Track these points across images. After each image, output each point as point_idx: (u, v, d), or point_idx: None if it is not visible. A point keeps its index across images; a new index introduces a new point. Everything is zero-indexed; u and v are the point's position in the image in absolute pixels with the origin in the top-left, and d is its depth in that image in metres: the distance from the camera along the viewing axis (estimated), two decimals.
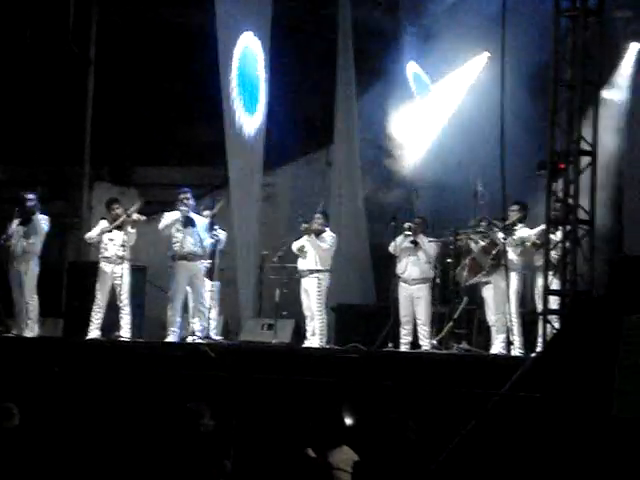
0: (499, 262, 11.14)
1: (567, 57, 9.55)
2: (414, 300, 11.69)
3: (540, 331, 10.18)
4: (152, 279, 13.78)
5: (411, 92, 14.42)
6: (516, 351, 10.92)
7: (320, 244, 11.96)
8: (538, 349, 10.21)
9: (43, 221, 12.15)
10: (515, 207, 11.23)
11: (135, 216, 12.13)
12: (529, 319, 11.15)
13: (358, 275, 14.34)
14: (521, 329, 11.04)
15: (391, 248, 11.91)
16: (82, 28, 15.20)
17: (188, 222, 11.86)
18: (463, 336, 11.71)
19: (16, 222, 12.10)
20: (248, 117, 13.99)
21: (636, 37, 13.25)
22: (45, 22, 14.20)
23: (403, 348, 11.61)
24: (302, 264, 12.06)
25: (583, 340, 7.88)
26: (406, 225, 11.82)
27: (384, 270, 13.06)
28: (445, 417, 8.41)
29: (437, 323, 11.84)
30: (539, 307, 10.46)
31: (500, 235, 11.25)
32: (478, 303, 11.74)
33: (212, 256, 12.29)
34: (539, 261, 10.69)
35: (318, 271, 11.93)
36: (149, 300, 13.44)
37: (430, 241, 11.85)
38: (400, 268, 11.81)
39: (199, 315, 11.90)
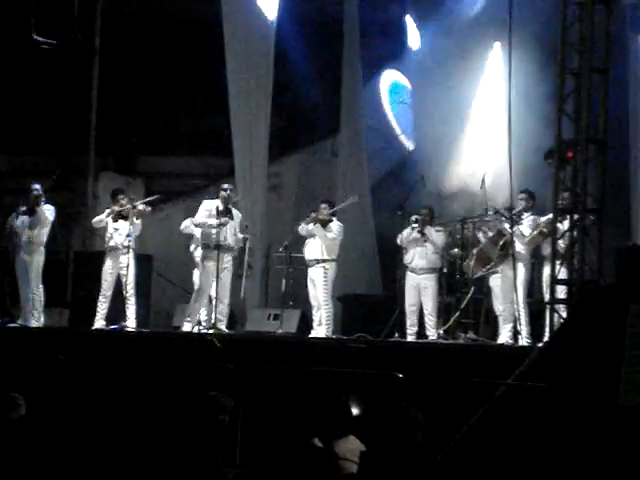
0: (507, 252, 11.09)
1: (575, 45, 9.49)
2: (421, 290, 11.65)
3: (547, 320, 10.12)
4: (158, 269, 13.78)
5: (416, 80, 14.38)
6: (523, 341, 10.88)
7: (327, 234, 11.92)
8: (545, 339, 10.15)
9: (48, 211, 12.13)
10: (522, 196, 11.15)
11: (141, 207, 12.11)
12: (536, 308, 11.10)
13: (364, 265, 14.32)
14: (528, 319, 10.99)
15: (399, 240, 11.87)
16: (87, 18, 15.17)
17: (227, 213, 11.81)
18: (470, 326, 11.68)
19: (21, 212, 12.08)
20: (254, 106, 13.93)
21: None
22: (50, 12, 14.16)
23: (409, 338, 11.58)
24: (309, 254, 12.03)
25: (590, 329, 7.84)
26: (413, 218, 11.76)
27: (390, 260, 13.04)
28: (452, 407, 8.38)
29: (444, 313, 11.80)
30: (546, 296, 10.40)
31: (507, 225, 11.18)
32: (485, 293, 11.70)
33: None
34: (547, 250, 10.64)
35: (325, 261, 11.89)
36: (155, 290, 13.44)
37: (437, 230, 11.80)
38: (407, 258, 11.77)
39: (221, 306, 11.80)
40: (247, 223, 12.59)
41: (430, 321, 11.58)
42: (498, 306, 11.31)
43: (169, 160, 16.51)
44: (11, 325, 12.00)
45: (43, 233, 12.12)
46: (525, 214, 11.13)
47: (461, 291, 11.79)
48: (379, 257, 14.46)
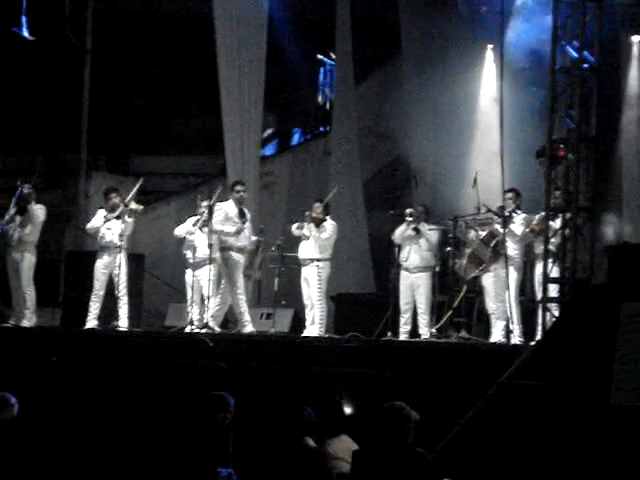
0: (499, 253, 11.09)
1: (566, 44, 9.50)
2: (415, 288, 11.64)
3: (540, 319, 10.15)
4: (150, 268, 13.77)
5: (410, 79, 14.38)
6: (516, 339, 10.88)
7: (320, 234, 11.90)
8: (538, 337, 10.17)
9: (39, 210, 12.09)
10: (510, 195, 11.13)
11: (133, 205, 12.06)
12: (529, 307, 11.12)
13: (357, 264, 14.32)
14: (521, 317, 11.00)
15: (394, 237, 11.85)
16: (79, 17, 15.15)
17: (243, 215, 11.81)
18: (462, 324, 11.68)
19: (12, 211, 12.04)
20: (246, 106, 13.93)
21: (635, 23, 13.21)
22: (42, 11, 14.14)
23: (402, 337, 11.57)
24: (302, 253, 12.02)
25: (583, 328, 7.85)
26: (407, 211, 11.73)
27: (383, 259, 13.03)
28: (444, 406, 8.38)
29: (436, 312, 11.80)
30: (539, 295, 10.42)
31: (498, 225, 11.18)
32: (478, 291, 11.70)
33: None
34: (539, 249, 10.65)
35: (318, 260, 11.88)
36: (147, 289, 13.42)
37: (431, 229, 11.79)
38: (402, 256, 11.74)
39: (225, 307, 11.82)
40: (262, 225, 12.61)
41: (423, 320, 11.57)
42: (491, 305, 11.31)
43: (161, 159, 16.49)
44: (3, 325, 11.97)
45: (34, 232, 12.07)
46: (516, 213, 11.14)
47: (454, 290, 11.79)
48: (372, 256, 14.46)
